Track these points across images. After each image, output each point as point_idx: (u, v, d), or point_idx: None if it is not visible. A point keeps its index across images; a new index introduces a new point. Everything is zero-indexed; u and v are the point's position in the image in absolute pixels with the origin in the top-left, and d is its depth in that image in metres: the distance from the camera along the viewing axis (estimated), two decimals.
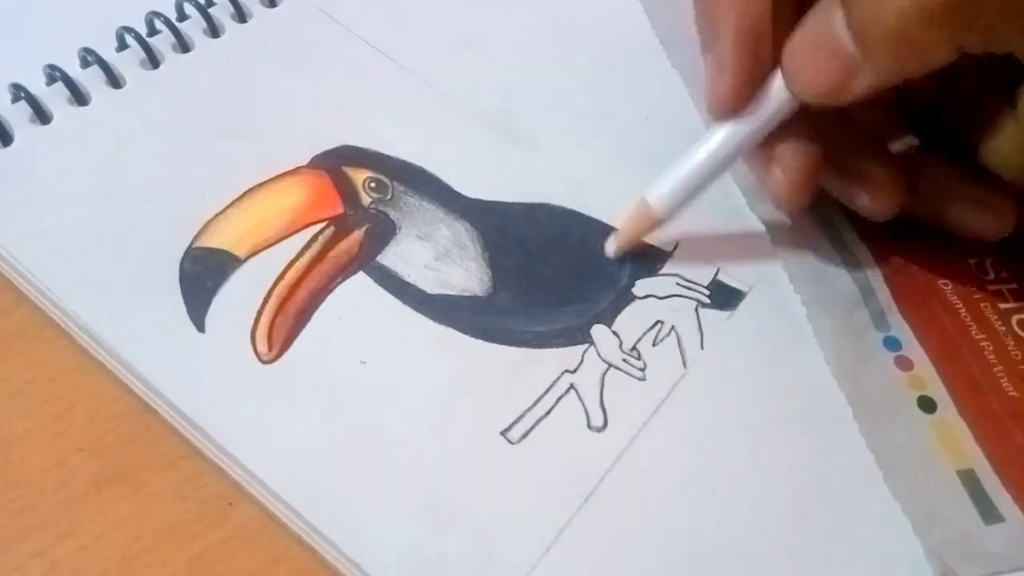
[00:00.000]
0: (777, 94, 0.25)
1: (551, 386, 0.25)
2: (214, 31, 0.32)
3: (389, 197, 0.29)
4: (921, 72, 0.23)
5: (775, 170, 0.26)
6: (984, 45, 0.23)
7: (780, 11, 0.25)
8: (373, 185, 0.29)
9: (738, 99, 0.26)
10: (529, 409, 0.25)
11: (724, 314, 0.28)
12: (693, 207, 0.28)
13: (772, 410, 0.26)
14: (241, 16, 0.33)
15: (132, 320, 0.25)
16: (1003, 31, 0.22)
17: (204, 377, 0.24)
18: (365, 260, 0.28)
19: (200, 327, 0.25)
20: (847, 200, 0.28)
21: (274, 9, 0.34)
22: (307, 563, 0.23)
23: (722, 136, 0.26)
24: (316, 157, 0.30)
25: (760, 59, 0.25)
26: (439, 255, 0.28)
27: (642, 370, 0.26)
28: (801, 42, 0.25)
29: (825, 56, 0.24)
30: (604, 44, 0.35)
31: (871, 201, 0.27)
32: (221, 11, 0.33)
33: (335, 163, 0.30)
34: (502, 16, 0.35)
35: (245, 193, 0.28)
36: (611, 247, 0.28)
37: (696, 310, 0.28)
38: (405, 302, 0.27)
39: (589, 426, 0.25)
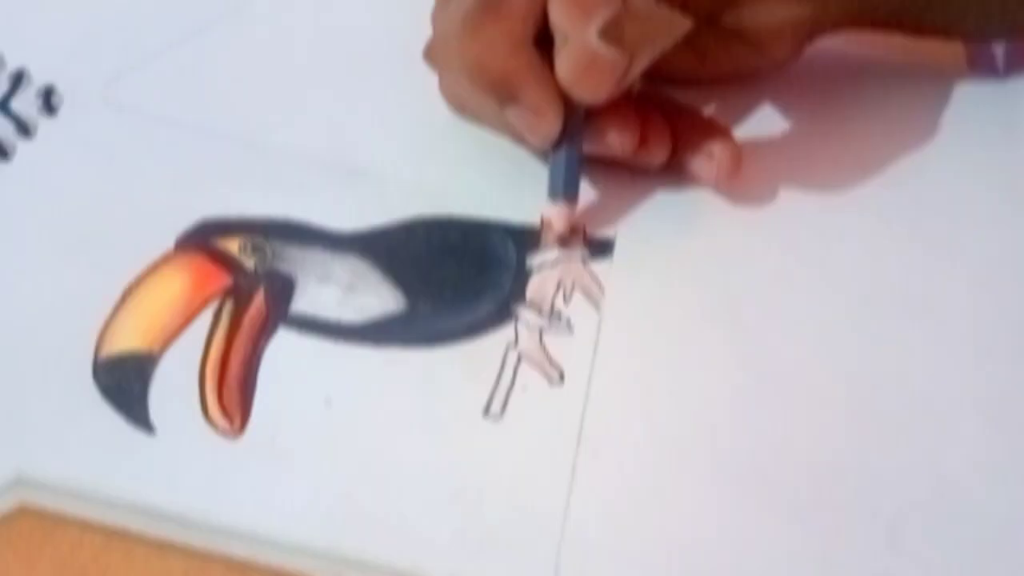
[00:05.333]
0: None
1: (503, 362, 0.27)
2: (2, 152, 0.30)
3: (271, 255, 0.29)
4: None
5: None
6: None
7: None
8: (249, 249, 0.29)
9: (561, 129, 0.29)
10: (496, 386, 0.27)
11: (606, 262, 0.31)
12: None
13: (679, 323, 0.30)
14: (24, 130, 0.31)
15: (75, 452, 0.23)
16: None
17: (181, 473, 0.23)
18: (278, 317, 0.28)
19: (148, 430, 0.24)
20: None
21: (56, 117, 0.32)
22: None
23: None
24: (180, 239, 0.29)
25: (558, 89, 0.28)
26: (346, 290, 0.29)
27: (568, 324, 0.29)
28: (572, 69, 0.27)
29: (598, 71, 0.27)
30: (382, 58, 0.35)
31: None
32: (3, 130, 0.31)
33: (202, 239, 0.29)
34: (282, 58, 0.35)
35: (126, 293, 0.27)
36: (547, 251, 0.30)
37: (584, 264, 0.31)
38: (339, 340, 0.27)
39: (551, 383, 0.27)
